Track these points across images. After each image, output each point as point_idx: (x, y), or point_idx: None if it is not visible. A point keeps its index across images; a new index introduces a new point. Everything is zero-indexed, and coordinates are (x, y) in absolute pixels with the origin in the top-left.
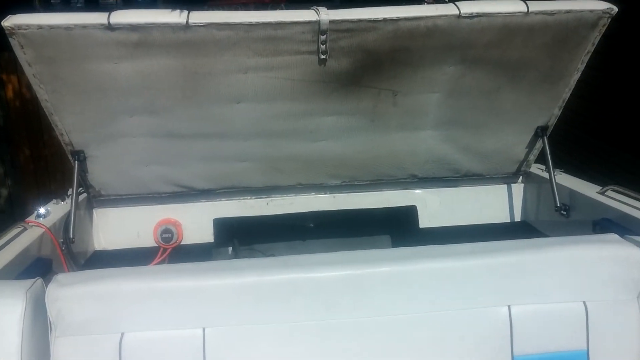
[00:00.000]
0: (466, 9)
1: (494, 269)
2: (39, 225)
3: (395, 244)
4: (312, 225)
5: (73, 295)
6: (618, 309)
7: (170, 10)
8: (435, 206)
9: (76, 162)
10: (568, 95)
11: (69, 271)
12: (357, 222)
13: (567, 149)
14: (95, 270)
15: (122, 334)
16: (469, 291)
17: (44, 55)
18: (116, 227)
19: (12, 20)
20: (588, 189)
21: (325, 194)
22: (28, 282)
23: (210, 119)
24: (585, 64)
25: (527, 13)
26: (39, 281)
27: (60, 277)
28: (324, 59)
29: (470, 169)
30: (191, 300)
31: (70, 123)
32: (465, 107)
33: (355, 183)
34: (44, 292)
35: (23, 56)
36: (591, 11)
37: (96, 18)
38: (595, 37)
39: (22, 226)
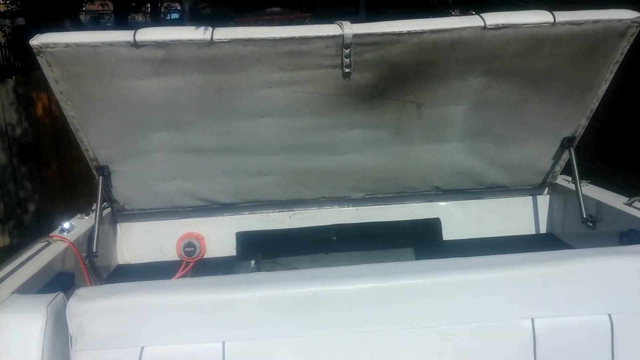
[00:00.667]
0: (492, 20)
1: (517, 281)
2: (62, 239)
3: (419, 257)
4: (335, 238)
5: (94, 310)
6: None
7: (195, 27)
8: (459, 218)
9: (100, 177)
10: (596, 105)
11: (91, 285)
12: (381, 234)
13: (594, 159)
14: (116, 285)
15: (142, 348)
16: (493, 304)
17: (71, 73)
18: (139, 241)
19: (40, 39)
20: (615, 200)
21: (349, 206)
22: (49, 297)
23: (234, 134)
24: (613, 74)
25: (554, 24)
26: (60, 295)
27: (81, 292)
28: (348, 72)
29: (495, 180)
30: (212, 314)
31: (95, 139)
32: (490, 119)
33: (379, 196)
34: (65, 306)
35: (51, 74)
36: (620, 20)
37: (122, 36)
38: (624, 46)
39: (46, 241)
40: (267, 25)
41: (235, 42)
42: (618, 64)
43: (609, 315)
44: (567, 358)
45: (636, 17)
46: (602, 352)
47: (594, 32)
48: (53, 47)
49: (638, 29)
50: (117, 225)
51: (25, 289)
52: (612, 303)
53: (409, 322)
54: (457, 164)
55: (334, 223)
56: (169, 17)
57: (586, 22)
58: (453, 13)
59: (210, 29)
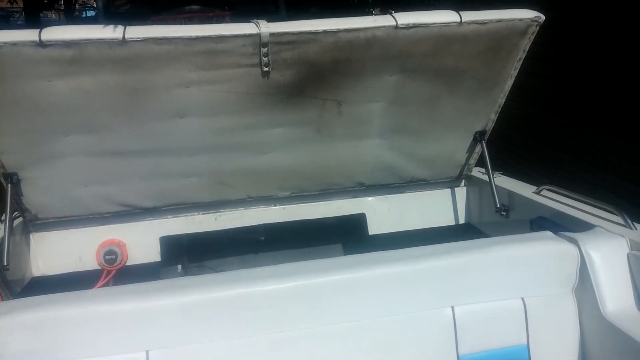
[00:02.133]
0: (403, 20)
1: (437, 271)
2: None
3: (347, 252)
4: (263, 238)
5: (5, 326)
6: (555, 303)
7: (105, 25)
8: (383, 213)
9: (9, 184)
10: (503, 100)
11: (3, 300)
12: (309, 232)
13: (505, 151)
14: (29, 298)
15: None
16: (416, 294)
17: None
18: (56, 251)
19: None
20: (525, 190)
21: (275, 205)
22: None
23: (152, 135)
24: (518, 70)
25: (461, 23)
26: None
27: None
28: (266, 71)
29: (415, 174)
30: (134, 323)
31: (1, 144)
32: (407, 115)
33: (305, 193)
34: None
35: None
36: (520, 20)
37: (27, 35)
38: (525, 44)
39: None
40: (185, 24)
41: (149, 41)
42: (521, 60)
43: (522, 298)
44: (487, 342)
45: (535, 17)
46: (518, 333)
47: (498, 31)
48: None
49: (538, 28)
50: (30, 235)
51: None
52: (524, 287)
53: (335, 318)
54: (378, 160)
55: (261, 223)
56: (84, 15)
57: (490, 21)
58: (374, 12)
59: (122, 27)
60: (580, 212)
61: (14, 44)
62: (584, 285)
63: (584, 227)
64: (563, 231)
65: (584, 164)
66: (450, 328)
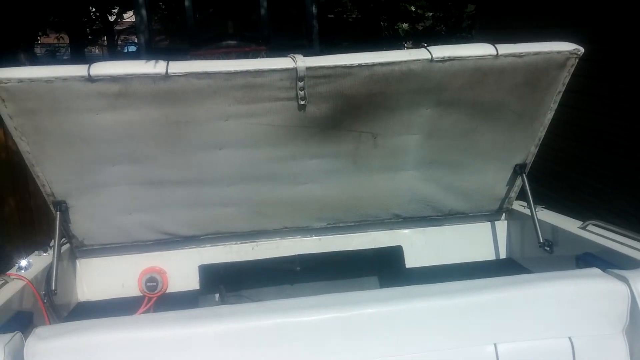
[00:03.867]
0: (438, 53)
1: (479, 306)
2: (20, 277)
3: (383, 285)
4: (299, 268)
5: (52, 349)
6: (604, 344)
7: (149, 61)
8: (421, 245)
9: (58, 212)
10: (543, 133)
11: (50, 324)
12: (344, 263)
13: (547, 184)
14: (75, 322)
15: None
16: (456, 330)
17: (25, 108)
18: (100, 277)
19: None
20: (570, 225)
21: (311, 236)
22: (7, 337)
23: (192, 166)
24: (557, 103)
25: (497, 56)
26: (18, 335)
27: (39, 331)
28: (303, 104)
29: (453, 207)
30: (174, 350)
31: (51, 174)
32: (444, 148)
33: (341, 225)
34: (23, 346)
35: (4, 110)
36: (559, 52)
37: (76, 70)
38: (564, 77)
39: (3, 279)
40: (222, 59)
41: (190, 76)
42: (561, 93)
43: (570, 338)
44: None
45: (574, 49)
46: None
47: (535, 64)
48: (6, 83)
49: (577, 60)
50: (77, 261)
51: None
52: (572, 326)
53: (373, 351)
54: (414, 192)
55: (297, 253)
56: (126, 50)
57: (527, 54)
58: (405, 45)
59: (164, 62)
60: (629, 248)
61: (65, 79)
62: (635, 325)
63: (633, 264)
64: (612, 268)
65: (630, 199)
66: None
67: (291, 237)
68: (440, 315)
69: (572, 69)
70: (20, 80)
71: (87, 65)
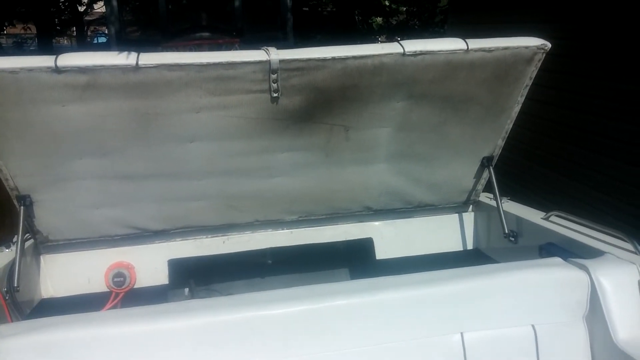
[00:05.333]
0: (410, 47)
1: (446, 297)
2: None
3: (354, 277)
4: (270, 261)
5: (13, 347)
6: (565, 331)
7: (119, 52)
8: (390, 237)
9: (22, 207)
10: (510, 126)
11: (12, 322)
12: (316, 256)
13: (513, 177)
14: (38, 320)
15: None
16: (424, 320)
17: None
18: (65, 273)
19: None
20: (533, 215)
21: (283, 229)
22: None
23: (163, 159)
24: (525, 97)
25: (467, 50)
26: None
27: (1, 329)
28: (276, 97)
29: (422, 199)
30: (141, 345)
31: (15, 167)
32: (414, 141)
33: (312, 218)
34: None
35: None
36: (526, 47)
37: (43, 61)
38: (532, 71)
39: None
40: (195, 51)
41: (161, 67)
42: (528, 87)
43: (533, 325)
44: None
45: (541, 45)
46: None
47: (504, 58)
48: None
49: (544, 55)
50: (41, 257)
51: None
52: (535, 314)
53: (344, 343)
54: (385, 184)
55: (268, 247)
56: (96, 41)
57: (496, 48)
58: (379, 39)
59: (135, 54)
60: (590, 238)
61: (31, 70)
62: (594, 312)
63: (594, 253)
64: (573, 258)
65: (591, 191)
66: (459, 354)
67: (263, 230)
68: (409, 305)
69: (540, 64)
70: None
71: (54, 56)
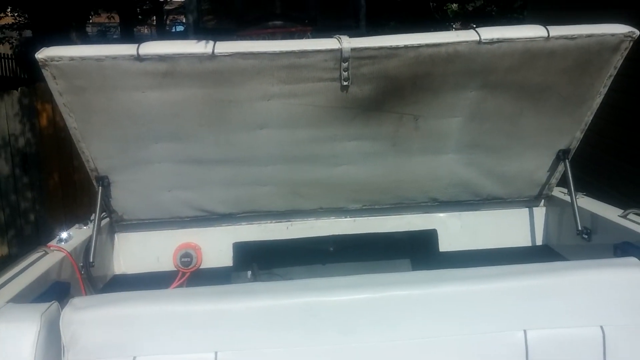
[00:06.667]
0: (487, 34)
1: (511, 292)
2: (59, 249)
3: (416, 268)
4: (332, 249)
5: (87, 319)
6: (636, 333)
7: (196, 41)
8: (456, 230)
9: (100, 187)
10: (590, 118)
11: (86, 295)
12: (377, 245)
13: (590, 171)
14: (110, 294)
15: (134, 358)
16: (487, 315)
17: (75, 85)
18: (137, 251)
19: (45, 53)
20: (610, 213)
21: (346, 217)
22: (44, 306)
23: (233, 145)
24: (608, 87)
25: (548, 38)
26: (55, 305)
27: (75, 301)
28: (346, 85)
29: (491, 192)
30: (205, 324)
31: (96, 150)
32: (487, 131)
33: (376, 207)
34: (59, 315)
35: (55, 86)
36: (613, 35)
37: (126, 49)
38: (617, 60)
39: (43, 250)
40: (269, 39)
41: (236, 56)
42: (612, 77)
43: (601, 327)
44: None
45: (629, 32)
46: None
47: (588, 47)
48: (58, 60)
49: (631, 43)
50: (115, 235)
51: (21, 298)
52: (604, 315)
53: (403, 333)
54: (453, 176)
55: (331, 234)
56: (174, 30)
57: (580, 36)
58: (454, 26)
59: (211, 42)
60: None
61: (114, 58)
62: None
63: None
64: None
65: None
66: (522, 351)
67: (326, 217)
68: (471, 299)
69: (626, 53)
70: (72, 59)
71: (136, 45)
